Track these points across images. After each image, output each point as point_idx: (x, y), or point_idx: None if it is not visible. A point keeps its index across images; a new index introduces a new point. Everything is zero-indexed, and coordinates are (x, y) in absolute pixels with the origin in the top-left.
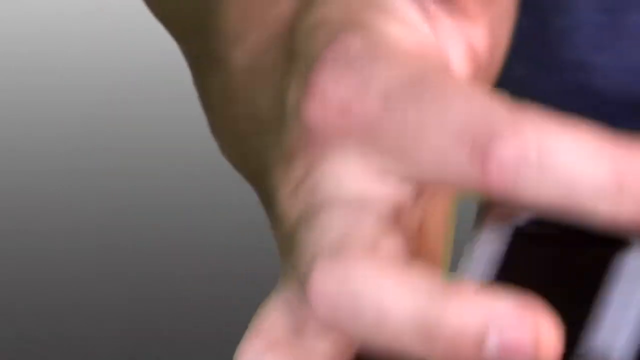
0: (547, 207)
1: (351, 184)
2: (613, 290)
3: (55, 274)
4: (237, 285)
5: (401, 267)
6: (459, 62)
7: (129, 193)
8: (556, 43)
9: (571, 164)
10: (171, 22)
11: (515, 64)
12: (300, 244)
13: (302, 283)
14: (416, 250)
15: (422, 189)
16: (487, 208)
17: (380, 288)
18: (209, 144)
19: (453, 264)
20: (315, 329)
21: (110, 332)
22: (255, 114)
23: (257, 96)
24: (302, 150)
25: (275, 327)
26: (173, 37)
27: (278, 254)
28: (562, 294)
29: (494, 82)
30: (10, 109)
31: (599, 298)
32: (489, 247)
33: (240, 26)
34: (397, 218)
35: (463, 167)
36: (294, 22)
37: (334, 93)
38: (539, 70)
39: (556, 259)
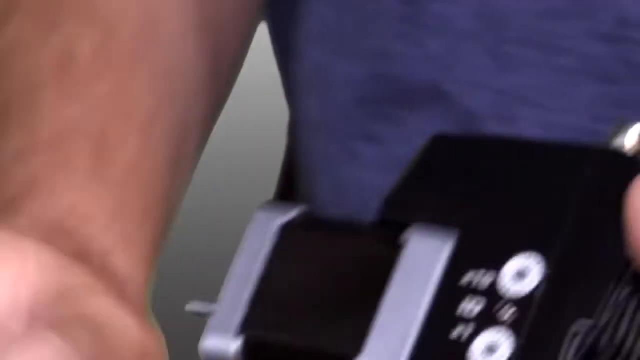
0: None
1: None
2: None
3: None
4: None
5: None
6: None
7: None
8: (357, 31)
9: None
10: None
11: (312, 51)
12: None
13: None
14: None
15: None
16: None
17: None
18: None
19: None
20: None
21: None
22: None
23: None
24: None
25: None
26: None
27: None
28: (335, 279)
29: (288, 70)
30: None
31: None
32: (258, 240)
33: None
34: None
35: None
36: None
37: None
38: (339, 57)
39: (329, 248)
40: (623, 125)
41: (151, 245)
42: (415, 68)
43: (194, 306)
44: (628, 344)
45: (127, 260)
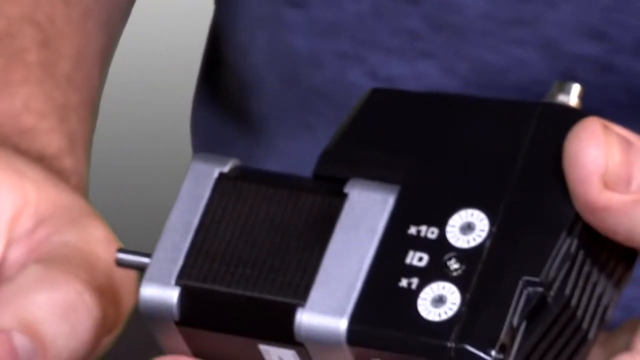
0: None
1: None
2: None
3: None
4: None
5: None
6: None
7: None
8: None
9: None
10: None
11: None
12: None
13: None
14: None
15: None
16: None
17: None
18: None
19: None
20: None
21: None
22: None
23: None
24: None
25: None
26: None
27: None
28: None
29: None
30: None
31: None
32: (195, 191)
33: None
34: None
35: None
36: None
37: None
38: None
39: (268, 198)
40: (562, 85)
41: (89, 138)
42: None
43: (123, 256)
44: (576, 297)
45: (73, 161)
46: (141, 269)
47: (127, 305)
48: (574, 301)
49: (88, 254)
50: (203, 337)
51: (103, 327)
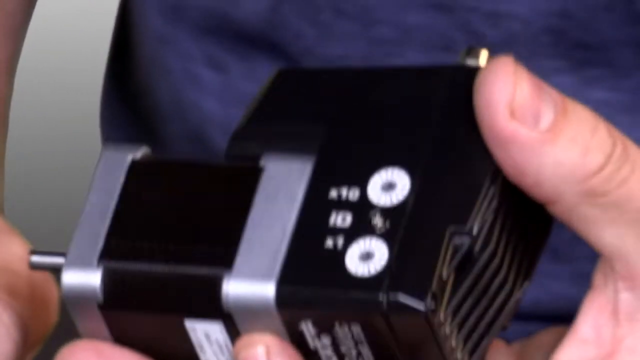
0: None
1: None
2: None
3: None
4: None
5: None
6: None
7: None
8: None
9: None
10: None
11: None
12: None
13: None
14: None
15: None
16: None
17: None
18: None
19: None
20: None
21: None
22: None
23: None
24: None
25: None
26: None
27: None
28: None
29: None
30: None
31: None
32: (109, 176)
33: None
34: None
35: None
36: None
37: None
38: None
39: (183, 178)
40: (471, 51)
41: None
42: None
43: (37, 259)
44: (501, 249)
45: None
46: (57, 270)
47: (52, 317)
48: (499, 253)
49: (7, 272)
50: (127, 321)
51: (24, 345)
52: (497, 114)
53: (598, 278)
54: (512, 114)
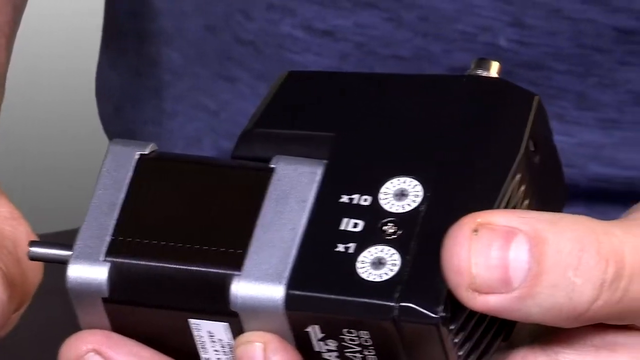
0: None
1: None
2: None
3: None
4: None
5: None
6: None
7: None
8: None
9: None
10: None
11: None
12: None
13: None
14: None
15: None
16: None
17: None
18: None
19: None
20: None
21: None
22: None
23: None
24: None
25: None
26: None
27: None
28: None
29: None
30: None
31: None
32: (117, 171)
33: None
34: None
35: None
36: None
37: None
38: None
39: (193, 175)
40: (481, 63)
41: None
42: None
43: (36, 250)
44: None
45: None
46: (57, 262)
47: (34, 279)
48: None
49: None
50: (130, 314)
51: (9, 305)
52: (462, 295)
53: None
54: (477, 289)
